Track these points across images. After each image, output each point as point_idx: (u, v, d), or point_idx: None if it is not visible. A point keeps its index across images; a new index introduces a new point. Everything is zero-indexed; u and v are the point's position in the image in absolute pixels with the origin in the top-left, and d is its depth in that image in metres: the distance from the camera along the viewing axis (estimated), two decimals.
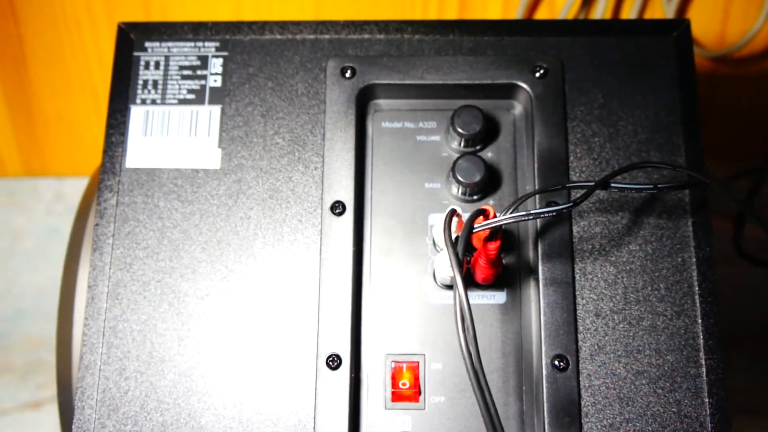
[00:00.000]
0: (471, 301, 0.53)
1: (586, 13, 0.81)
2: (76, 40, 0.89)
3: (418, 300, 0.54)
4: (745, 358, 0.78)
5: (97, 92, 0.93)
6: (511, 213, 0.49)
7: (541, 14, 0.83)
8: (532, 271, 0.54)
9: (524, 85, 0.56)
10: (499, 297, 0.54)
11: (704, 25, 0.83)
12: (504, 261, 0.54)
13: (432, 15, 0.84)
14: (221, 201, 0.55)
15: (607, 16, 0.81)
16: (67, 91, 0.93)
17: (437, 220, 0.54)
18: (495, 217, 0.49)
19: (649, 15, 0.82)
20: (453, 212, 0.49)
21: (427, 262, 0.55)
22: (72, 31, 0.88)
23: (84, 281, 0.57)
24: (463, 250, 0.48)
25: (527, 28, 0.58)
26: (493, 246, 0.49)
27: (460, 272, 0.46)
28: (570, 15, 0.80)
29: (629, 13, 0.81)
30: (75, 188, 0.98)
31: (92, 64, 0.90)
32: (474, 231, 0.48)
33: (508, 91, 0.57)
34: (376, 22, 0.58)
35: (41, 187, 1.00)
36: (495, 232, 0.49)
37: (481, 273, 0.52)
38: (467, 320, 0.44)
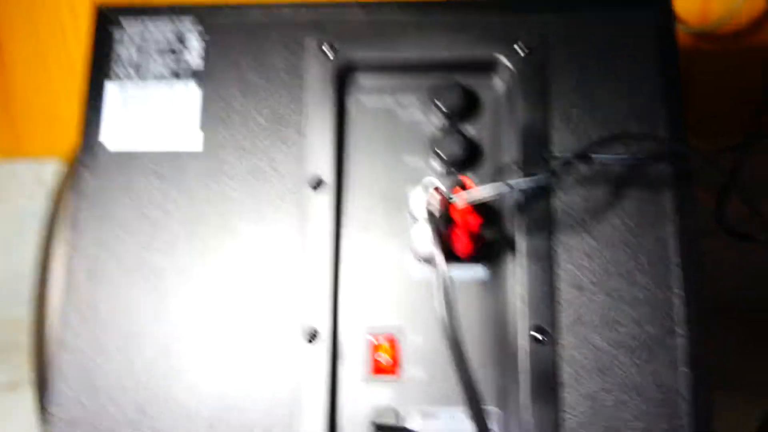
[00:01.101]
0: (451, 275, 0.53)
1: None
2: (54, 20, 0.87)
3: (397, 274, 0.54)
4: (737, 334, 0.78)
5: (76, 72, 0.91)
6: (490, 185, 0.49)
7: None
8: (512, 245, 0.53)
9: (506, 61, 0.56)
10: (479, 271, 0.54)
11: (687, 1, 0.83)
12: (484, 235, 0.54)
13: None
14: (201, 180, 0.55)
15: None
16: (45, 72, 0.92)
17: (416, 191, 0.54)
18: (472, 188, 0.49)
19: None
20: (431, 185, 0.49)
21: (406, 237, 0.55)
22: (50, 11, 0.87)
23: (60, 260, 0.57)
24: (443, 223, 0.47)
25: (509, 4, 0.58)
26: (473, 219, 0.49)
27: (440, 244, 0.46)
28: None
29: None
30: (54, 173, 0.97)
31: (70, 43, 0.89)
32: (451, 202, 0.48)
33: (489, 67, 0.57)
34: (358, 4, 0.58)
35: (20, 171, 0.99)
36: (475, 206, 0.49)
37: (461, 246, 0.51)
38: (447, 292, 0.44)
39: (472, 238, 0.51)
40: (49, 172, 0.98)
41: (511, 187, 0.48)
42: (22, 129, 0.98)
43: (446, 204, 0.48)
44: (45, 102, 0.95)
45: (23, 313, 0.91)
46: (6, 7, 0.88)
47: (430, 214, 0.48)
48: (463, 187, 0.49)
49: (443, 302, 0.44)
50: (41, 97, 0.95)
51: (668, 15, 0.57)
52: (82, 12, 0.87)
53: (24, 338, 0.91)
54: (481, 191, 0.48)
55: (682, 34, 0.83)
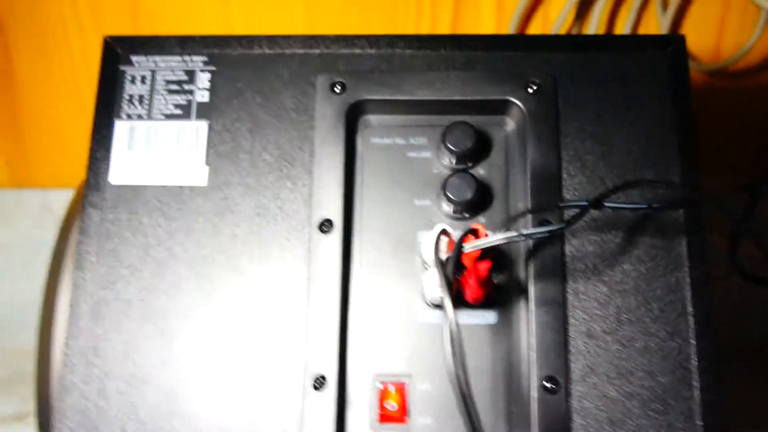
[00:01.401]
0: (460, 321, 0.52)
1: (580, 26, 0.80)
2: (64, 52, 0.88)
3: (406, 319, 0.53)
4: (743, 375, 0.77)
5: (85, 103, 0.92)
6: (502, 233, 0.48)
7: (535, 26, 0.82)
8: (523, 291, 0.53)
9: (517, 101, 0.55)
10: (489, 317, 0.53)
11: (699, 38, 0.82)
12: (494, 280, 0.53)
13: (425, 28, 0.83)
14: (207, 218, 0.54)
15: (602, 29, 0.80)
16: (54, 102, 0.92)
17: (426, 238, 0.53)
18: (485, 236, 0.48)
19: (644, 27, 0.81)
20: (443, 231, 0.48)
21: (415, 280, 0.54)
22: (60, 42, 0.87)
23: (65, 298, 0.56)
24: (453, 271, 0.47)
25: (520, 43, 0.57)
26: (484, 266, 0.48)
27: (449, 293, 0.45)
28: (564, 28, 0.79)
29: (624, 25, 0.80)
30: (62, 200, 0.97)
31: (80, 75, 0.89)
32: (463, 251, 0.48)
33: (500, 107, 0.56)
34: (366, 37, 0.58)
35: (27, 198, 0.99)
36: (485, 252, 0.48)
37: (470, 293, 0.51)
38: (456, 343, 0.43)
39: (482, 284, 0.50)
40: (57, 200, 0.98)
41: (524, 237, 0.47)
42: (32, 159, 0.98)
43: (457, 252, 0.47)
44: (54, 132, 0.95)
45: (32, 342, 0.91)
46: (18, 37, 0.88)
47: (440, 261, 0.48)
48: (475, 235, 0.48)
49: (451, 353, 0.44)
50: (51, 127, 0.95)
51: (682, 55, 0.57)
52: (92, 42, 0.87)
53: (32, 368, 0.91)
54: (492, 239, 0.47)
55: (694, 71, 0.82)
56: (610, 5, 0.79)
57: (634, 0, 0.78)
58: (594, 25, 0.78)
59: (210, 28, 0.84)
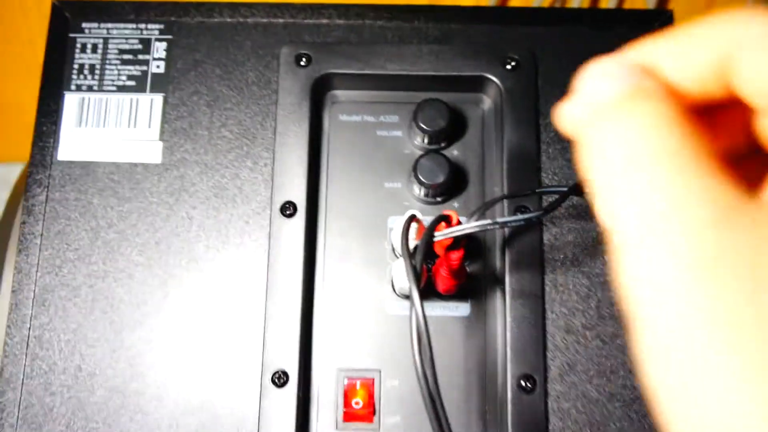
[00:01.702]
0: (432, 313, 0.49)
1: (563, 0, 0.77)
2: (19, 17, 0.83)
3: (374, 310, 0.50)
4: None
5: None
6: (476, 220, 0.45)
7: (516, 1, 0.78)
8: (499, 282, 0.49)
9: (494, 78, 0.52)
10: (462, 309, 0.50)
11: (688, 12, 0.79)
12: (468, 269, 0.50)
13: None
14: (161, 199, 0.50)
15: (585, 4, 0.77)
16: (11, 71, 0.87)
17: (396, 224, 0.50)
18: (458, 223, 0.44)
19: (629, 4, 0.78)
20: (412, 218, 0.45)
21: (385, 268, 0.50)
22: (15, 7, 0.82)
23: (8, 284, 0.52)
24: (422, 261, 0.43)
25: (498, 16, 0.54)
26: (456, 256, 0.45)
27: (417, 286, 0.41)
28: (546, 2, 0.75)
29: (608, 1, 0.76)
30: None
31: (37, 42, 0.85)
32: (435, 240, 0.44)
33: (476, 84, 0.53)
34: (335, 6, 0.54)
35: None
36: (458, 241, 0.45)
37: (442, 283, 0.48)
38: (424, 341, 0.40)
39: (454, 274, 0.47)
40: (16, 174, 0.94)
41: (499, 225, 0.44)
42: None
43: (427, 240, 0.44)
44: (11, 103, 0.91)
45: None
46: None
47: (408, 249, 0.44)
48: (448, 222, 0.44)
49: (418, 350, 0.40)
50: (9, 101, 0.91)
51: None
52: (49, 7, 0.82)
53: None
54: (465, 227, 0.44)
55: None
56: None
57: None
58: (577, 1, 0.74)
59: None
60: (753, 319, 0.18)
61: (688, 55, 0.23)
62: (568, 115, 0.25)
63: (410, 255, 0.43)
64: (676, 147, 0.21)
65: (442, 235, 0.44)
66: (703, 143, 0.21)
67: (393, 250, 0.50)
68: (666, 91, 0.22)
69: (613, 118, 0.22)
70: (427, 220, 0.46)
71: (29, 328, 0.49)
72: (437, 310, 0.50)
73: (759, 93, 0.21)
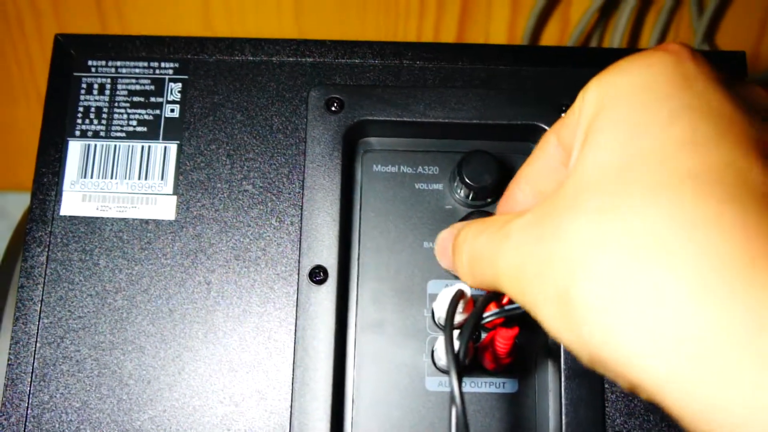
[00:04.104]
0: (476, 389, 0.44)
1: (605, 25, 0.71)
2: (20, 48, 0.78)
3: (411, 386, 0.45)
4: None
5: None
6: None
7: (552, 30, 0.73)
8: (552, 357, 0.44)
9: (547, 127, 0.47)
10: (510, 385, 0.45)
11: (737, 44, 0.74)
12: (519, 344, 0.45)
13: (427, 32, 0.73)
14: (176, 261, 0.45)
15: (628, 29, 0.72)
16: (9, 100, 0.82)
17: (441, 293, 0.44)
18: (510, 301, 0.39)
19: (675, 24, 0.72)
20: (460, 294, 0.39)
21: (425, 338, 0.45)
22: (16, 37, 0.77)
23: (2, 356, 0.46)
24: (466, 346, 0.38)
25: (550, 56, 0.49)
26: (508, 335, 0.40)
27: (457, 372, 0.36)
28: (587, 27, 0.70)
29: (654, 24, 0.71)
30: (17, 204, 0.88)
31: (38, 72, 0.80)
32: (484, 321, 0.39)
33: (527, 133, 0.47)
34: (369, 44, 0.49)
35: None
36: (511, 319, 0.40)
37: (490, 360, 0.42)
38: (461, 420, 0.35)
39: (505, 354, 0.41)
40: (11, 204, 0.89)
41: None
42: None
43: (474, 324, 0.38)
44: (10, 132, 0.86)
45: None
46: None
47: (450, 331, 0.39)
48: (499, 302, 0.39)
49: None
50: (6, 127, 0.86)
51: (741, 76, 0.48)
52: (51, 38, 0.78)
53: None
54: (517, 307, 0.39)
55: None
56: (638, 5, 0.70)
57: (664, 1, 0.69)
58: (622, 26, 0.68)
59: (187, 30, 0.75)
60: None
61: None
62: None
63: (451, 336, 0.37)
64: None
65: (494, 315, 0.39)
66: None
67: (433, 317, 0.45)
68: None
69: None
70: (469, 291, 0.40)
71: (27, 407, 0.43)
72: (482, 386, 0.45)
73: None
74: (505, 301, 0.39)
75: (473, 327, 0.38)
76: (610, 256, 0.25)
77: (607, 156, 0.27)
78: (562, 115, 0.46)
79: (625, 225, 0.25)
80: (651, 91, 0.27)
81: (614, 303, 0.24)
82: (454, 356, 0.36)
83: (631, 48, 0.72)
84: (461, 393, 0.34)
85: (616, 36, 0.68)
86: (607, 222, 0.25)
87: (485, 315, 0.39)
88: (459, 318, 0.41)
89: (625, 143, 0.27)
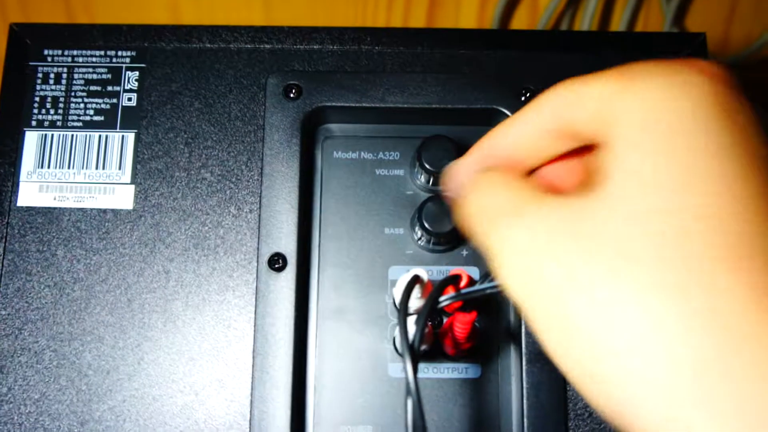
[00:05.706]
0: (439, 375, 0.44)
1: (573, 12, 0.71)
2: None
3: (374, 372, 0.45)
4: None
5: None
6: (490, 280, 0.39)
7: (522, 15, 0.72)
8: (514, 341, 0.44)
9: (507, 111, 0.46)
10: (472, 371, 0.45)
11: (706, 28, 0.73)
12: (479, 326, 0.44)
13: (396, 19, 0.72)
14: (134, 250, 0.45)
15: (597, 13, 0.71)
16: None
17: (400, 278, 0.44)
18: (468, 284, 0.39)
19: (646, 7, 0.72)
20: (415, 279, 0.39)
21: (386, 324, 0.45)
22: None
23: None
24: (422, 331, 0.38)
25: (511, 40, 0.48)
26: (466, 319, 0.40)
27: (411, 358, 0.36)
28: (557, 11, 0.69)
29: (623, 8, 0.71)
30: None
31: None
32: (440, 305, 0.39)
33: (487, 118, 0.47)
34: (327, 29, 0.48)
35: None
36: (469, 303, 0.40)
37: (450, 346, 0.42)
38: (417, 417, 0.35)
39: (464, 339, 0.41)
40: None
41: None
42: None
43: (430, 307, 0.38)
44: None
45: None
46: None
47: (404, 317, 0.38)
48: (457, 285, 0.39)
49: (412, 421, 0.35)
50: None
51: (702, 57, 0.48)
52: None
53: None
54: (477, 289, 0.38)
55: None
56: None
57: None
58: (590, 10, 0.68)
59: (154, 19, 0.74)
60: None
61: (518, 135, 0.32)
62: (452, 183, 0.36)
63: (405, 321, 0.37)
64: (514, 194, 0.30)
65: (450, 299, 0.39)
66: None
67: (395, 304, 0.45)
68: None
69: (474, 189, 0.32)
70: (434, 270, 0.40)
71: None
72: (444, 372, 0.44)
73: (592, 133, 0.28)
74: (462, 284, 0.39)
75: (428, 312, 0.38)
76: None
77: (659, 203, 0.25)
78: (522, 98, 0.46)
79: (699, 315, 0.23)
80: (696, 121, 0.26)
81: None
82: (408, 342, 0.35)
83: (601, 31, 0.71)
84: (416, 379, 0.34)
85: (585, 19, 0.68)
86: (671, 304, 0.23)
87: (442, 299, 0.38)
88: (418, 303, 0.40)
89: (676, 191, 0.25)
